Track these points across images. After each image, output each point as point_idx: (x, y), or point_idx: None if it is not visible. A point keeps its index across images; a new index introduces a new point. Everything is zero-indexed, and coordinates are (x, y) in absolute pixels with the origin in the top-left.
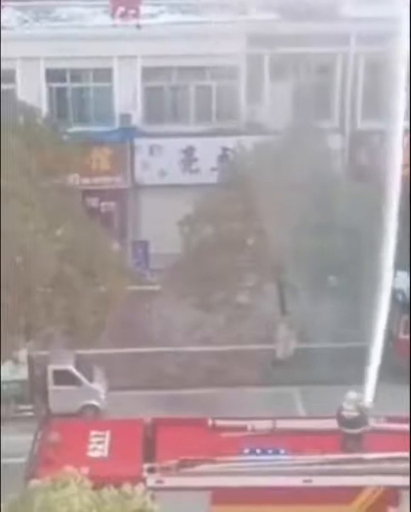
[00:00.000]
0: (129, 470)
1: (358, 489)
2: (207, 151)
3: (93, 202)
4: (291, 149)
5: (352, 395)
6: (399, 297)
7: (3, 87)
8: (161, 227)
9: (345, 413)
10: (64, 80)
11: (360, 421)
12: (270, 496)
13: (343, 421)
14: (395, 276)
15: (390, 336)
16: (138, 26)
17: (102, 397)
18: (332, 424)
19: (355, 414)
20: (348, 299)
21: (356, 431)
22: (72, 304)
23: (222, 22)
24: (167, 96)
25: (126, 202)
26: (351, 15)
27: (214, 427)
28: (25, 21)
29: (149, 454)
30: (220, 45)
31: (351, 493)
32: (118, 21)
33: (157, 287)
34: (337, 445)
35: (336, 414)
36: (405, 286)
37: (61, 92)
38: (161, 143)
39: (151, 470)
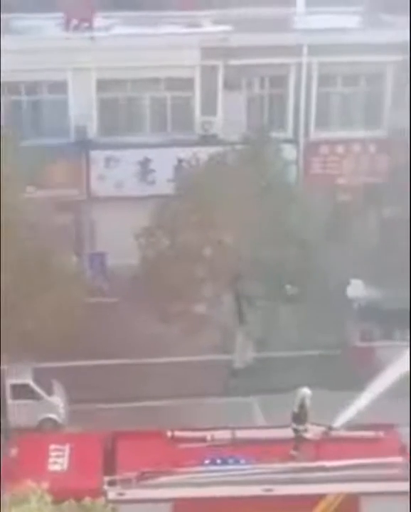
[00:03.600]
0: (89, 483)
1: (319, 497)
2: (163, 162)
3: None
4: (246, 160)
5: (305, 391)
6: (356, 305)
7: None
8: (118, 239)
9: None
10: (19, 92)
11: (299, 418)
12: (232, 506)
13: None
14: (350, 284)
15: (346, 344)
16: (92, 38)
17: (61, 410)
18: (291, 432)
19: (296, 410)
20: (304, 307)
21: (299, 427)
22: (28, 317)
23: (176, 34)
24: (122, 107)
25: (83, 214)
26: (303, 26)
27: (173, 439)
28: None
29: (110, 467)
30: (174, 56)
31: (312, 501)
32: (71, 34)
33: (115, 299)
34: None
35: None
36: (361, 294)
37: (16, 104)
38: (117, 155)
39: (111, 483)
